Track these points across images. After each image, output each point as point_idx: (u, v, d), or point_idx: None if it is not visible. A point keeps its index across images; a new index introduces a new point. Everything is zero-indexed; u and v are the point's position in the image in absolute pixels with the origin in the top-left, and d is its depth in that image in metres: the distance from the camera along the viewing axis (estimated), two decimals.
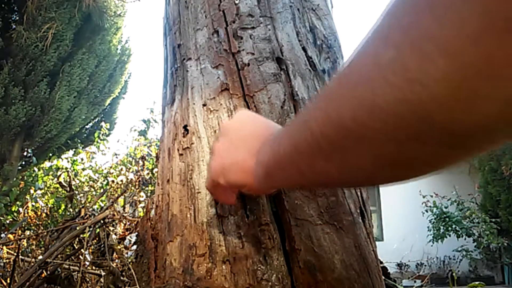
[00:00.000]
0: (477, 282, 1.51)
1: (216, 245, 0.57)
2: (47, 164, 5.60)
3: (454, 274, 2.74)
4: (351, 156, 0.29)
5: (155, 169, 3.20)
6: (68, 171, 3.81)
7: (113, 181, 3.63)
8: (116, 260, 1.21)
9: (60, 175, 3.62)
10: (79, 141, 6.11)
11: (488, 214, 6.67)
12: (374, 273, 0.59)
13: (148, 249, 0.67)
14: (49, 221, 2.70)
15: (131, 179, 3.45)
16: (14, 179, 4.45)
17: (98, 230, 1.17)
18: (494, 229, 6.42)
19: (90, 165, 4.66)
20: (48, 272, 1.11)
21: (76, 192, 3.36)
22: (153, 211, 0.72)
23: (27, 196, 3.50)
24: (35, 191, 3.67)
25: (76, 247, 1.26)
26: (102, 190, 3.48)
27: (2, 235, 2.55)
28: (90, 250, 1.23)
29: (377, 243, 0.67)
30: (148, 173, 3.43)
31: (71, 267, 1.16)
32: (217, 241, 0.57)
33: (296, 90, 0.67)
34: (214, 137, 0.63)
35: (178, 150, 0.68)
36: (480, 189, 7.05)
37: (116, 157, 4.66)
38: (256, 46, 0.69)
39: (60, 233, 1.25)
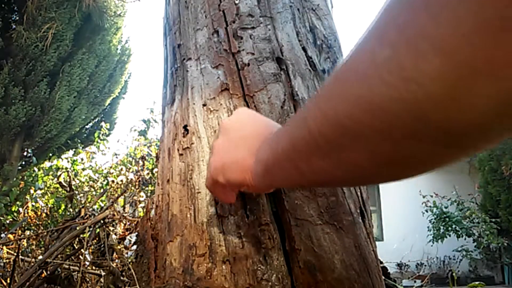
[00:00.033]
0: (477, 282, 1.51)
1: (216, 245, 0.57)
2: (47, 164, 5.60)
3: (454, 274, 2.74)
4: (348, 155, 0.30)
5: (155, 169, 3.20)
6: (68, 171, 3.80)
7: (113, 181, 3.63)
8: (116, 260, 1.21)
9: (60, 175, 3.61)
10: (79, 141, 6.10)
11: (488, 214, 6.67)
12: (374, 273, 0.59)
13: (148, 249, 0.67)
14: (49, 221, 2.70)
15: (131, 179, 3.45)
16: (14, 179, 4.45)
17: (98, 230, 1.17)
18: (494, 229, 6.42)
19: (90, 165, 4.66)
20: (48, 272, 1.11)
21: (76, 192, 3.36)
22: (153, 211, 0.72)
23: (27, 196, 3.50)
24: (35, 191, 3.67)
25: (76, 247, 1.26)
26: (102, 190, 3.48)
27: (2, 235, 2.54)
28: (90, 250, 1.23)
29: (377, 243, 0.67)
30: (148, 173, 3.43)
31: (71, 267, 1.16)
32: (217, 241, 0.57)
33: (296, 90, 0.67)
34: (214, 136, 0.63)
35: (178, 150, 0.68)
36: (480, 189, 7.04)
37: (116, 157, 4.66)
38: (256, 46, 0.69)
39: (60, 233, 1.25)
